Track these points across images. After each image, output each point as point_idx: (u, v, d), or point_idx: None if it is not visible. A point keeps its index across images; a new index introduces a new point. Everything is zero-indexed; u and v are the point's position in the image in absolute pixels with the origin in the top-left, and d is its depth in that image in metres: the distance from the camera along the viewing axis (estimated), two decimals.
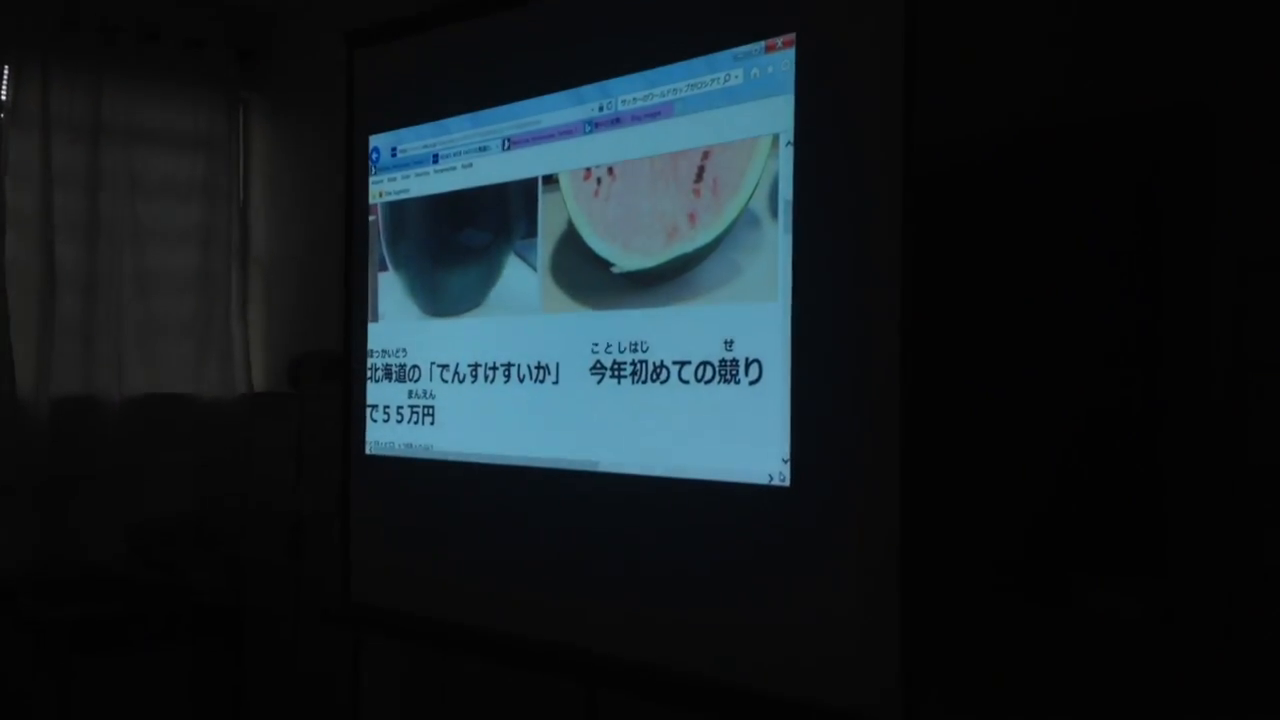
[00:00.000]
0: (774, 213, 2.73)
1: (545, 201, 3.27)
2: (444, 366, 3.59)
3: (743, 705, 2.76)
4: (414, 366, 3.70)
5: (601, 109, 3.13)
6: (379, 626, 3.79)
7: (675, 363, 2.92)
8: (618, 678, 3.05)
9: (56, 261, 4.82)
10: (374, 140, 3.86)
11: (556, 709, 4.40)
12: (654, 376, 2.96)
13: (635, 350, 3.01)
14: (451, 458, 3.54)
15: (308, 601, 4.55)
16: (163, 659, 5.09)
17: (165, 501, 5.19)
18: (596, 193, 3.14)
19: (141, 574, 4.85)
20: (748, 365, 2.76)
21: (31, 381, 4.78)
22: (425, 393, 3.65)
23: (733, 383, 2.79)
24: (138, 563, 4.98)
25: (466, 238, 3.54)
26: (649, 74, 3.01)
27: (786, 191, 2.71)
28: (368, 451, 3.84)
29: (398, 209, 3.79)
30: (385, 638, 3.90)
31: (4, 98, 4.79)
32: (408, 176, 3.76)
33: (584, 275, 3.16)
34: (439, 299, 3.64)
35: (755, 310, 2.76)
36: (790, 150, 2.70)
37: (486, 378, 3.43)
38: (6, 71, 4.79)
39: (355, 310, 3.91)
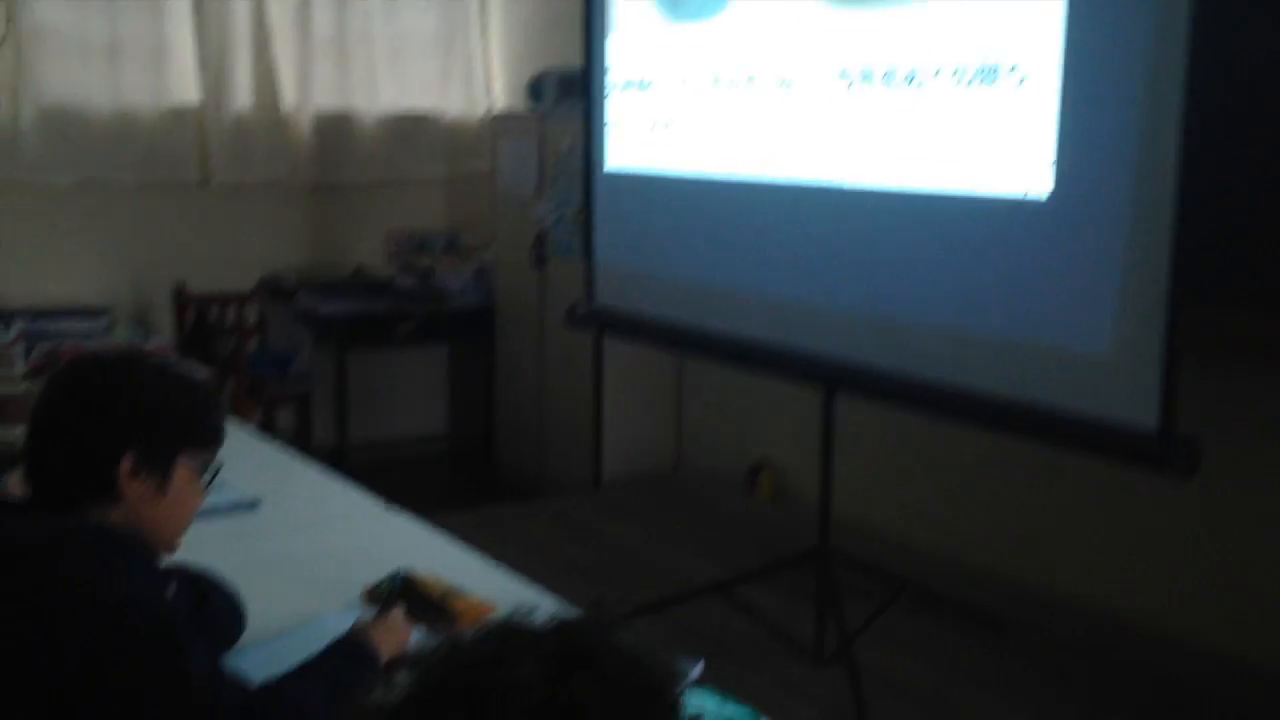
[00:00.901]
0: None
1: None
2: (683, 79, 3.57)
3: (985, 411, 2.79)
4: (653, 79, 3.70)
5: None
6: (619, 329, 3.98)
7: (930, 68, 2.80)
8: (856, 381, 3.12)
9: None
10: None
11: (794, 410, 4.60)
12: (906, 82, 2.86)
13: (886, 56, 2.90)
14: (691, 171, 3.58)
15: (552, 305, 4.83)
16: (424, 353, 5.59)
17: (419, 213, 5.54)
18: None
19: (402, 278, 5.24)
20: (1011, 69, 2.63)
21: (294, 96, 5.08)
22: (664, 106, 3.66)
23: (994, 87, 2.66)
24: (397, 268, 5.39)
25: None
26: None
27: None
28: (606, 168, 3.93)
29: None
30: (625, 338, 4.10)
31: None
32: None
33: None
34: (679, 4, 3.57)
35: (1024, 8, 2.59)
36: None
37: (729, 87, 3.40)
38: None
39: (594, 23, 3.90)
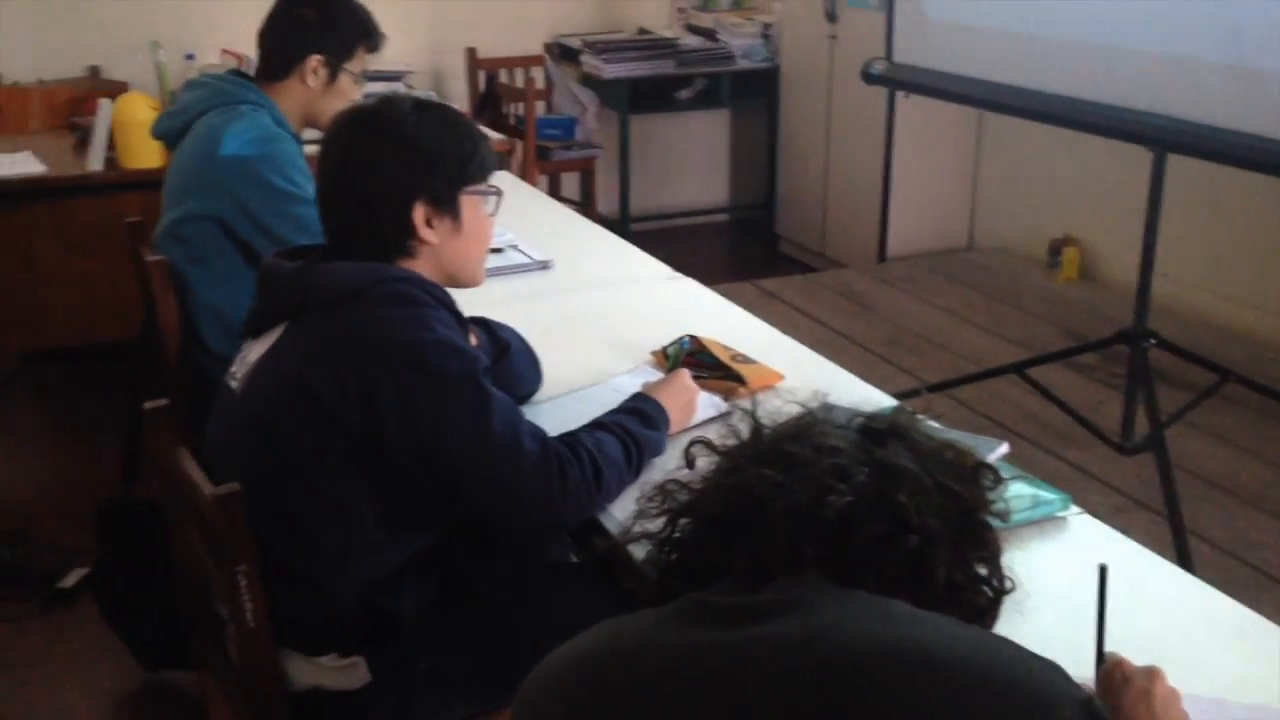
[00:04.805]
0: None
1: None
2: None
3: None
4: None
5: None
6: (920, 85, 3.68)
7: None
8: (1193, 142, 2.74)
9: None
10: None
11: (1107, 181, 4.20)
12: None
13: None
14: None
15: (842, 65, 4.55)
16: (706, 119, 5.46)
17: None
18: None
19: (685, 39, 5.08)
20: None
21: None
22: None
23: None
24: (681, 28, 5.22)
25: None
26: None
27: None
28: None
29: None
30: (926, 94, 3.79)
31: None
32: None
33: None
34: None
35: None
36: None
37: None
38: None
39: None
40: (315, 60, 2.27)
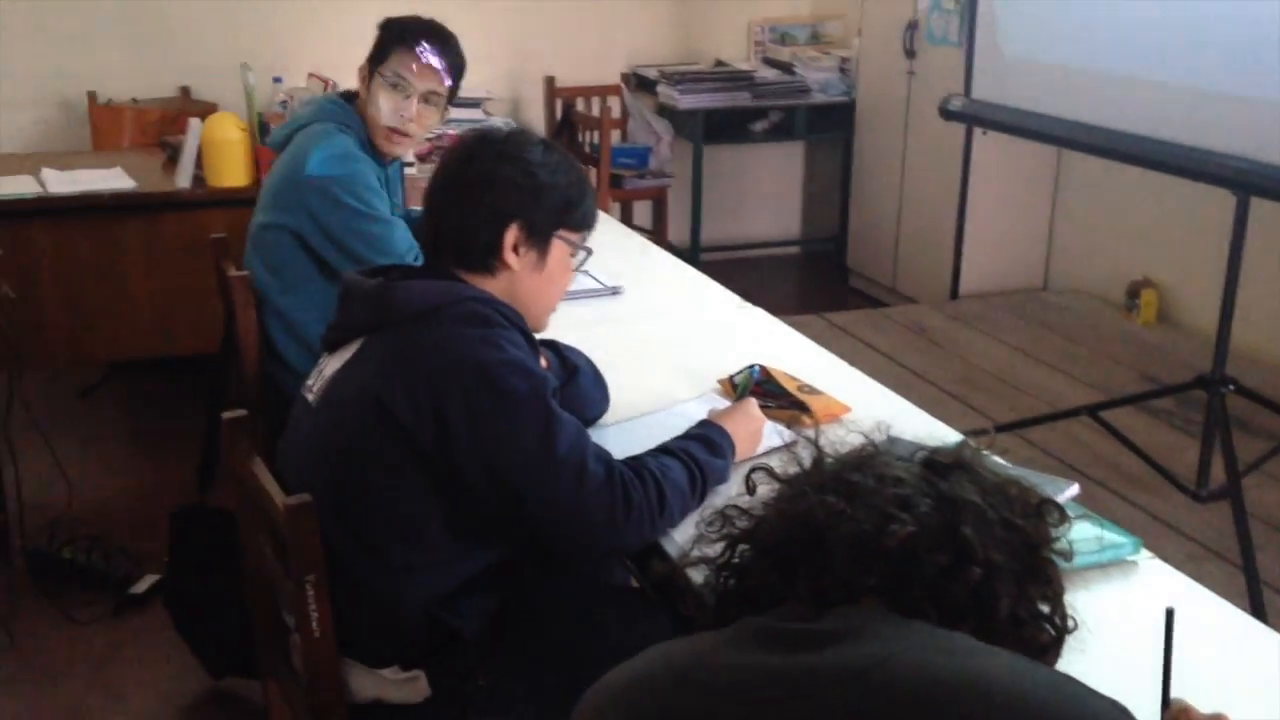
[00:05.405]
0: None
1: None
2: None
3: None
4: None
5: None
6: (997, 125, 3.66)
7: None
8: (1275, 186, 2.69)
9: None
10: None
11: (1186, 224, 4.12)
12: None
13: None
14: None
15: (919, 101, 4.53)
16: (780, 151, 5.47)
17: (783, 2, 5.32)
18: None
19: (762, 71, 5.10)
20: None
21: None
22: None
23: None
24: (758, 60, 5.24)
25: None
26: None
27: None
28: None
29: None
30: (1004, 131, 3.76)
31: None
32: None
33: None
34: None
35: None
36: None
37: None
38: None
39: None
40: (362, 69, 2.39)
